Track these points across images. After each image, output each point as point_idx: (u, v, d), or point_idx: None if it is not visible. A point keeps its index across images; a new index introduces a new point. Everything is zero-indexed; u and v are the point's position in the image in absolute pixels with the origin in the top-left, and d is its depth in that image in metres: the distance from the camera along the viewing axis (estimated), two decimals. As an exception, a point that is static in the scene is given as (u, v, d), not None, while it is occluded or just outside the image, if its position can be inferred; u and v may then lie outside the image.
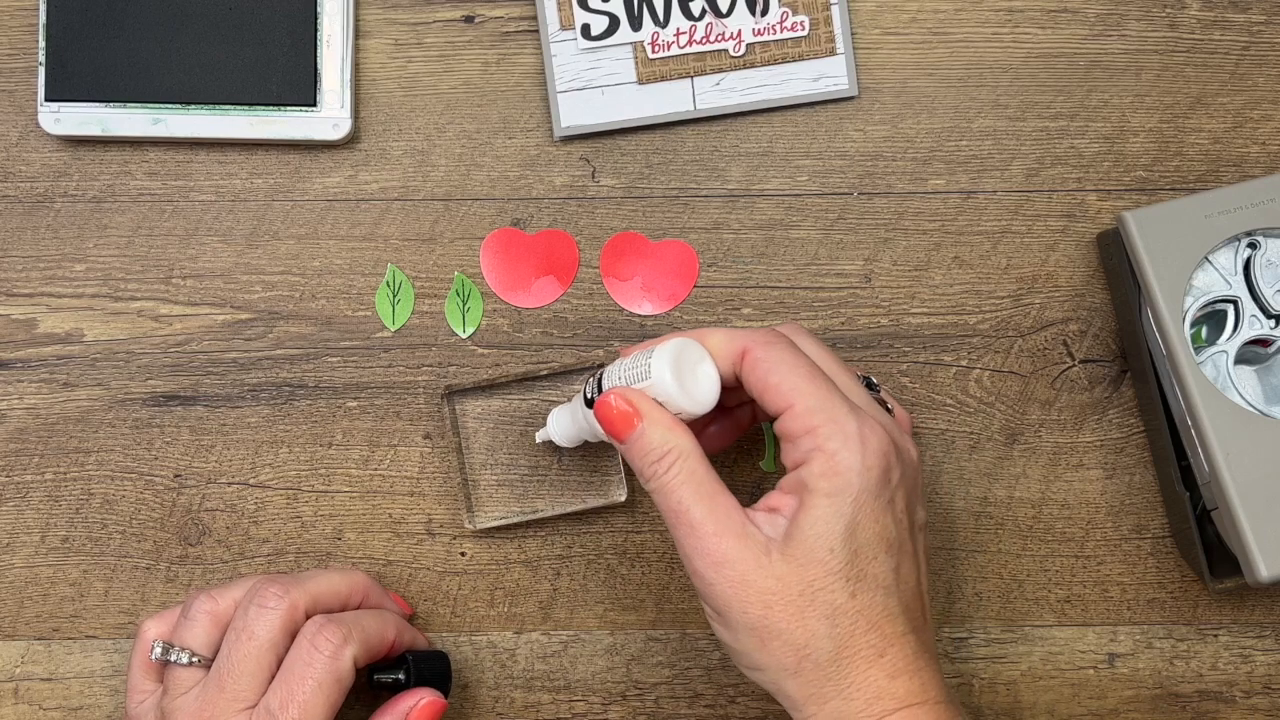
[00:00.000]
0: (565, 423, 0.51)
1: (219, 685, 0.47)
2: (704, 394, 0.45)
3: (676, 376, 0.44)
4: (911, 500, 0.44)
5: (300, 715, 0.46)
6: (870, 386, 0.48)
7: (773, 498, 0.44)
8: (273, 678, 0.47)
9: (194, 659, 0.48)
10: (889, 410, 0.47)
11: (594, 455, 0.55)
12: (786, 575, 0.42)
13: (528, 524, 0.55)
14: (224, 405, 0.56)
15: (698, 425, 0.47)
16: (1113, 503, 0.56)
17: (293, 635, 0.48)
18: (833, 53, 0.56)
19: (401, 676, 0.50)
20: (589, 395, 0.48)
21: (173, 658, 0.48)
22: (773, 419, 0.44)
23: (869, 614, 0.42)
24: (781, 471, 0.45)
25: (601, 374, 0.48)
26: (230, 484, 0.56)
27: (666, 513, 0.44)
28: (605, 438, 0.47)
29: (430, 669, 0.51)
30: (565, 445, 0.52)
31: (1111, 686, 0.55)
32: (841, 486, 0.42)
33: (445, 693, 0.51)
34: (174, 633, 0.49)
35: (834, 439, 0.42)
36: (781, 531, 0.42)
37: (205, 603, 0.49)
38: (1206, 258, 0.52)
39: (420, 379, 0.56)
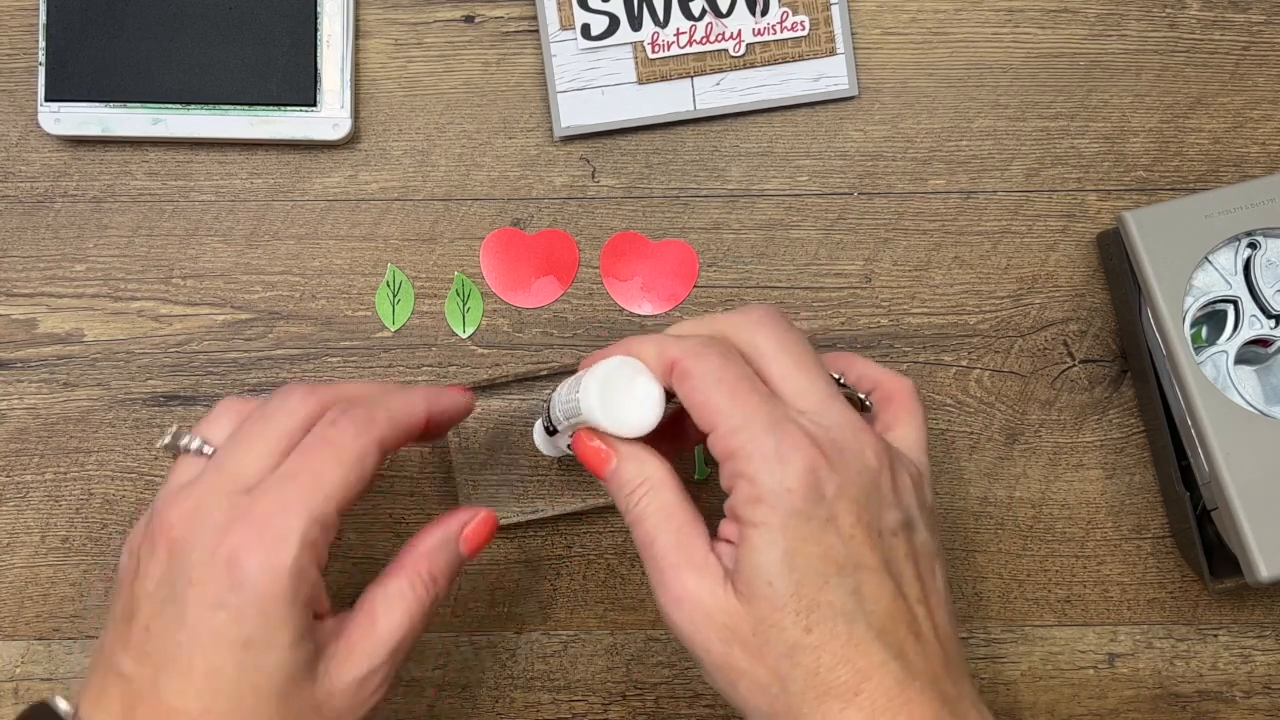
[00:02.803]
0: (543, 440, 0.52)
1: (219, 465, 0.41)
2: (639, 416, 0.42)
3: (604, 405, 0.42)
4: (870, 507, 0.40)
5: (311, 484, 0.40)
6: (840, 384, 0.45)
7: (724, 527, 0.41)
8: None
9: (205, 446, 0.43)
10: (867, 407, 0.45)
11: (594, 455, 0.55)
12: (735, 611, 0.39)
13: (528, 524, 0.55)
14: (224, 405, 0.56)
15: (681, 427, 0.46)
16: (1113, 503, 0.56)
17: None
18: (833, 53, 0.56)
19: None
20: (546, 425, 0.47)
21: (183, 442, 0.43)
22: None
23: (831, 647, 0.38)
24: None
25: (549, 404, 0.47)
26: (230, 484, 0.56)
27: (638, 545, 0.42)
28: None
29: None
30: (552, 455, 0.53)
31: (1112, 686, 0.55)
32: (766, 514, 0.39)
33: None
34: (193, 428, 0.45)
35: (753, 460, 0.39)
36: (730, 563, 0.40)
37: (234, 401, 0.45)
38: (1206, 258, 0.52)
39: (420, 379, 0.56)
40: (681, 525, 0.41)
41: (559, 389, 0.46)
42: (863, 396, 0.45)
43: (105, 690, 0.40)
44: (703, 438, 0.46)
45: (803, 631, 0.38)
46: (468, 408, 0.48)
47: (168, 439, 0.44)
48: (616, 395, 0.43)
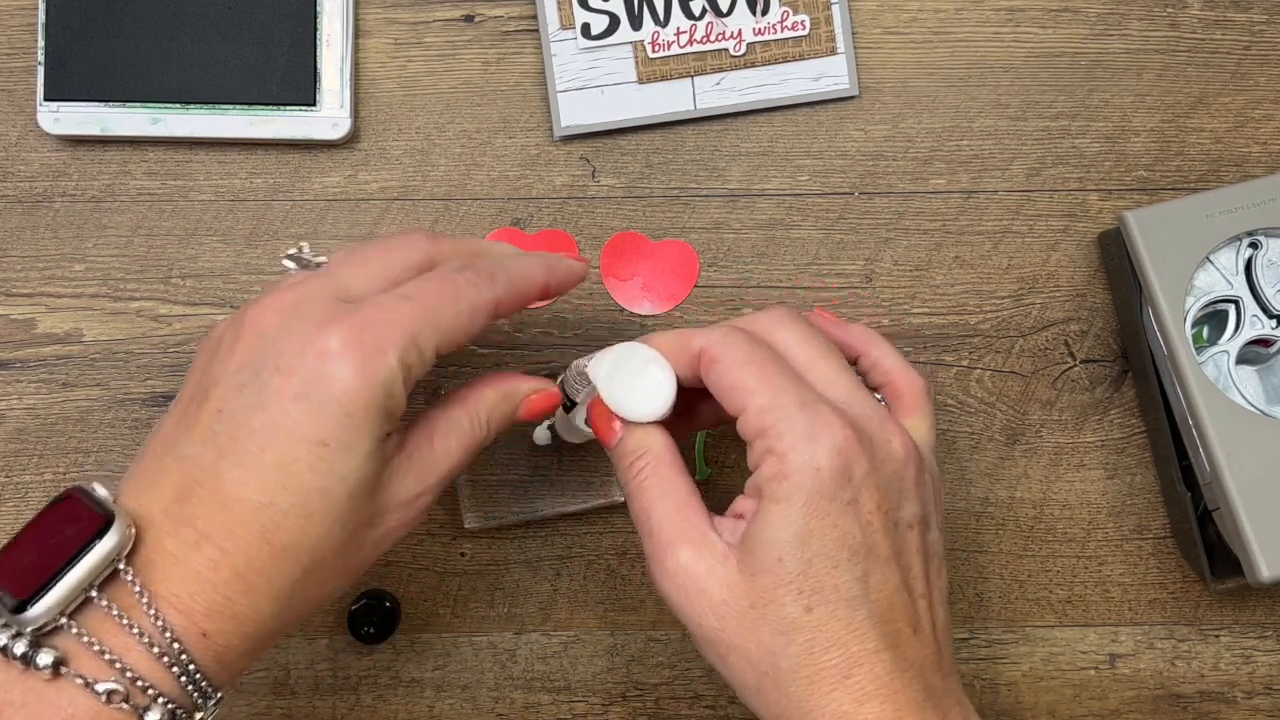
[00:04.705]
0: (561, 422, 0.51)
1: (328, 272, 0.40)
2: (646, 404, 0.43)
3: (613, 386, 0.43)
4: (891, 497, 0.40)
5: (423, 311, 0.39)
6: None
7: (738, 502, 0.41)
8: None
9: (323, 263, 0.42)
10: (877, 400, 0.44)
11: (594, 455, 0.55)
12: (736, 585, 0.39)
13: (528, 524, 0.55)
14: (224, 405, 0.56)
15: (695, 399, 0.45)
16: (1114, 503, 0.56)
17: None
18: (833, 52, 0.56)
19: (373, 629, 0.54)
20: (564, 402, 0.47)
21: (307, 255, 0.43)
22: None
23: (828, 629, 0.38)
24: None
25: (562, 379, 0.47)
26: (230, 484, 0.55)
27: (635, 518, 0.42)
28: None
29: (386, 619, 0.54)
30: (569, 438, 0.52)
31: (1113, 687, 0.55)
32: (790, 490, 0.38)
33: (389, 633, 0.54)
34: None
35: (784, 439, 0.39)
36: (739, 536, 0.40)
37: (377, 243, 0.44)
38: (1208, 258, 0.52)
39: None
40: (681, 500, 0.41)
41: (573, 364, 0.46)
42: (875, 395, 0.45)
43: (158, 475, 0.38)
44: (711, 422, 0.47)
45: (803, 610, 0.38)
46: (583, 274, 0.47)
47: (293, 250, 0.43)
48: (627, 378, 0.43)
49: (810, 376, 0.41)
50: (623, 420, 0.43)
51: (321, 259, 0.43)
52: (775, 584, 0.38)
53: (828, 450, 0.39)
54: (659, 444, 0.42)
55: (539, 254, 0.46)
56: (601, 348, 0.44)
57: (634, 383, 0.43)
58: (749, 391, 0.40)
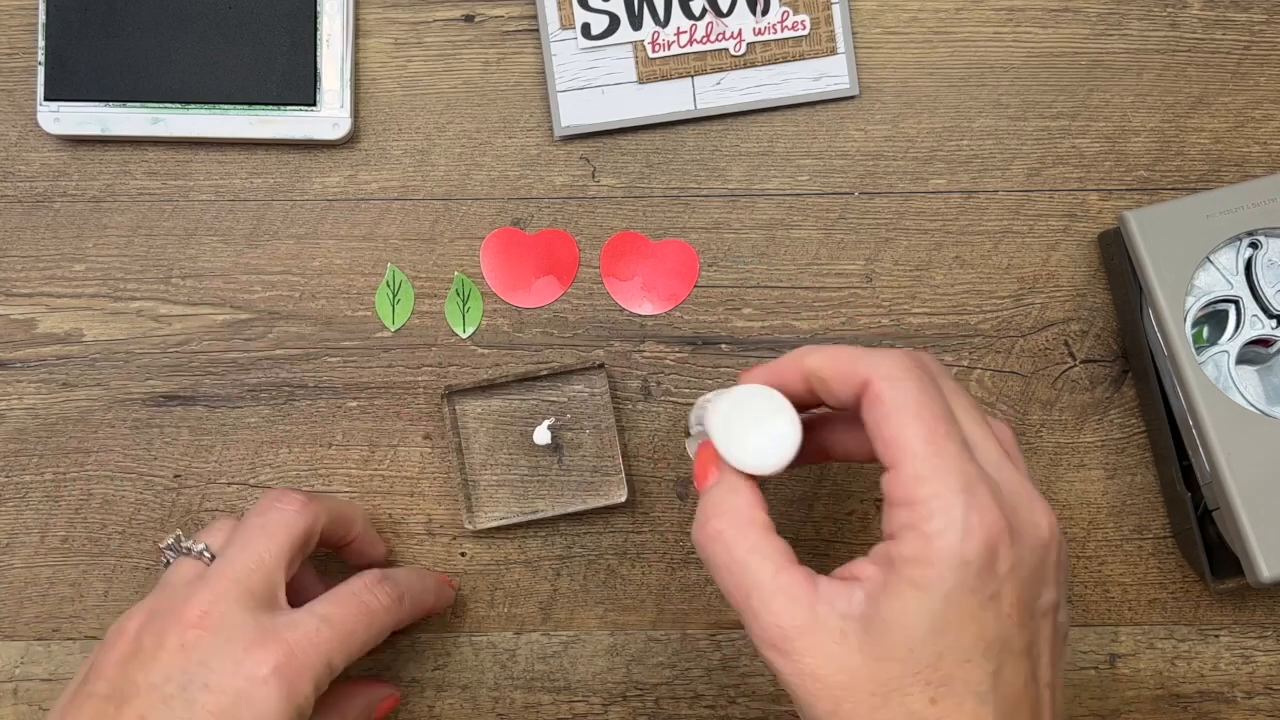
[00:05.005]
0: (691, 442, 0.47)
1: (222, 569, 0.44)
2: (763, 458, 0.39)
3: (728, 435, 0.40)
4: (1032, 588, 0.38)
5: (343, 637, 0.44)
6: None
7: (857, 565, 0.38)
8: (284, 577, 0.45)
9: (206, 552, 0.46)
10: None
11: (594, 455, 0.55)
12: (859, 669, 0.36)
13: (528, 524, 0.55)
14: (224, 405, 0.56)
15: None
16: (1114, 503, 0.56)
17: (305, 548, 0.47)
18: (833, 52, 0.56)
19: None
20: (689, 429, 0.45)
21: (186, 544, 0.46)
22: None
23: None
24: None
25: (698, 407, 0.44)
26: (230, 484, 0.56)
27: (719, 579, 0.39)
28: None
29: None
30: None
31: (1113, 687, 0.55)
32: (932, 579, 0.36)
33: None
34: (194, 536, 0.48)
35: (934, 519, 0.36)
36: (859, 609, 0.37)
37: (228, 517, 0.49)
38: (1208, 257, 0.52)
39: (420, 379, 0.56)
40: (779, 564, 0.38)
41: (705, 395, 0.44)
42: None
43: None
44: (836, 456, 0.45)
45: (927, 702, 0.36)
46: (451, 601, 0.54)
47: (170, 540, 0.46)
48: (745, 428, 0.40)
49: (970, 442, 0.38)
50: (731, 467, 0.40)
51: (200, 545, 0.46)
52: (902, 673, 0.36)
53: (980, 543, 0.36)
54: (747, 508, 0.39)
55: (428, 575, 0.52)
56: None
57: (752, 433, 0.40)
58: (910, 452, 0.37)
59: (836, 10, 0.56)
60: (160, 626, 0.43)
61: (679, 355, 0.56)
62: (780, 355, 0.42)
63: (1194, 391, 0.51)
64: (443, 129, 0.57)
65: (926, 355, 0.41)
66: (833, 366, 0.40)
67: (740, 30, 0.56)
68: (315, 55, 0.55)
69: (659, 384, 0.56)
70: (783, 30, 0.56)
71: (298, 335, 0.56)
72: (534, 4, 0.56)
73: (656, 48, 0.56)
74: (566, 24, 0.56)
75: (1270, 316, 0.52)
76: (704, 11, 0.56)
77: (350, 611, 0.45)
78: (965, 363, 0.56)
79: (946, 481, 0.37)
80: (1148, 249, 0.52)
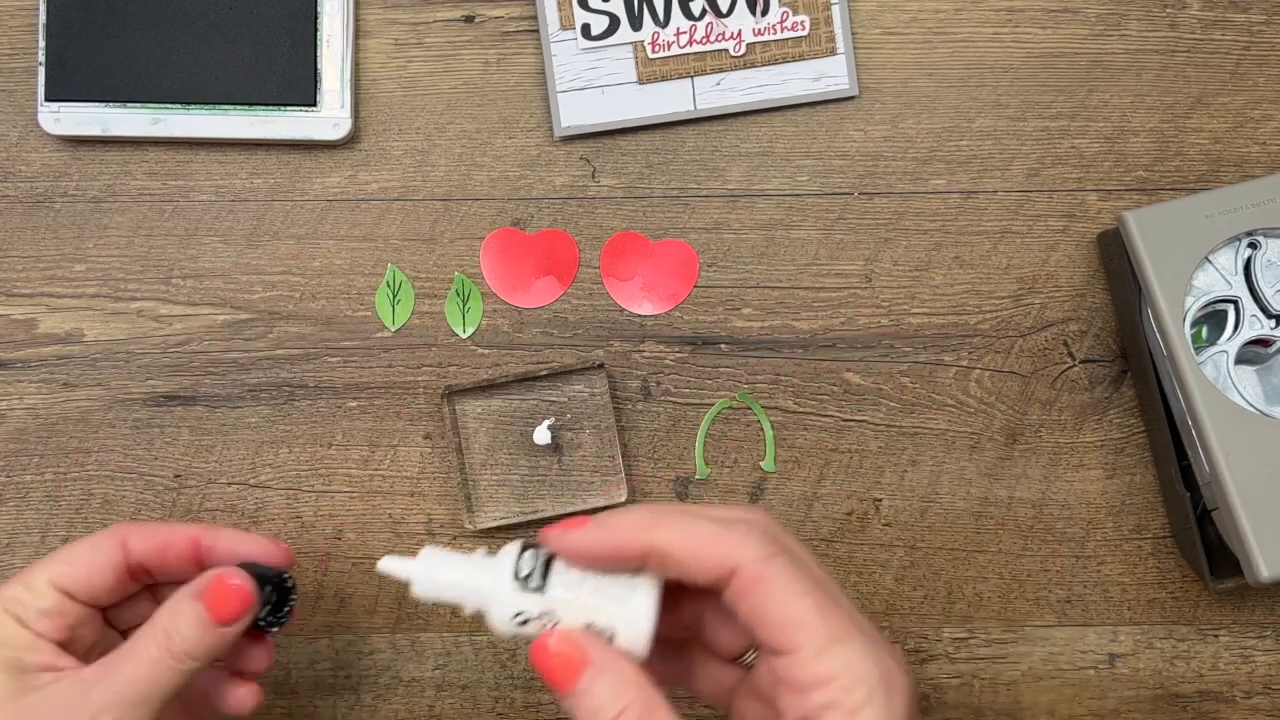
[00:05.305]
0: (445, 573, 0.40)
1: None
2: (641, 628, 0.36)
3: (568, 607, 0.37)
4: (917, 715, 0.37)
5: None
6: None
7: None
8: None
9: None
10: None
11: (594, 455, 0.55)
12: None
13: (528, 524, 0.55)
14: (224, 405, 0.56)
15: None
16: (1113, 503, 0.56)
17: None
18: (833, 52, 0.56)
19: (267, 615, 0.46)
20: (525, 573, 0.38)
21: None
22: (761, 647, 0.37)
23: None
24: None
25: (550, 558, 0.39)
26: (230, 484, 0.56)
27: None
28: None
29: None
30: (423, 596, 0.40)
31: (1112, 687, 0.55)
32: None
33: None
34: None
35: (854, 691, 0.35)
36: None
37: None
38: (1207, 258, 0.52)
39: (420, 379, 0.56)
40: None
41: (519, 556, 0.38)
42: None
43: None
44: (727, 655, 0.42)
45: None
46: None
47: None
48: (593, 596, 0.36)
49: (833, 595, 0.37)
50: (590, 655, 0.36)
51: None
52: None
53: (900, 698, 0.35)
54: (648, 695, 0.36)
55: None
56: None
57: (625, 599, 0.36)
58: (810, 631, 0.35)
59: (836, 11, 0.56)
60: None
61: (679, 355, 0.56)
62: (606, 513, 0.39)
63: (1193, 391, 0.51)
64: (443, 129, 0.57)
65: (760, 512, 0.39)
66: (690, 549, 0.37)
67: (740, 31, 0.56)
68: (315, 55, 0.55)
69: (659, 384, 0.56)
70: (782, 31, 0.56)
71: (298, 335, 0.56)
72: (534, 4, 0.56)
73: (656, 48, 0.56)
74: (566, 24, 0.56)
75: (1269, 316, 0.53)
76: (704, 12, 0.56)
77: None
78: (965, 363, 0.56)
79: (854, 652, 0.35)
80: (1147, 249, 0.52)
